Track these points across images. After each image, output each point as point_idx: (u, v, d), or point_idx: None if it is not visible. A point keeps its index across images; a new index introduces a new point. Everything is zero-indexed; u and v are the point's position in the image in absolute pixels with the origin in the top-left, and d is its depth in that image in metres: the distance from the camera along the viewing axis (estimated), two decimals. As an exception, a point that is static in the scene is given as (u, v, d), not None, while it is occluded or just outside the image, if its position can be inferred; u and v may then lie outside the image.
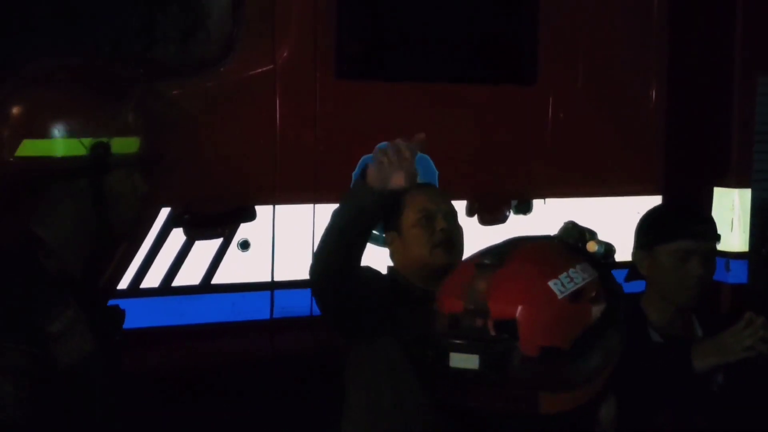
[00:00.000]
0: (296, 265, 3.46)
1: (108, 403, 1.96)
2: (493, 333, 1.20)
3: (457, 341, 1.22)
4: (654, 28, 4.09)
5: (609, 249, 1.38)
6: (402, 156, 2.14)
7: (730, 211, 4.18)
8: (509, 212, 3.80)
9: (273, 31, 3.36)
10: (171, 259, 3.29)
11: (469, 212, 3.72)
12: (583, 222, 4.23)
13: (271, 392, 3.42)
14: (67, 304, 1.93)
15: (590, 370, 1.20)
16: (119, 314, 2.20)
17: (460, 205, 3.73)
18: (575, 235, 1.44)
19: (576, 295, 1.21)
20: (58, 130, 1.95)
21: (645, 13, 4.06)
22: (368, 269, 2.45)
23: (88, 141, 1.95)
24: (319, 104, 3.44)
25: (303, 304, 3.47)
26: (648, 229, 2.76)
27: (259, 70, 3.36)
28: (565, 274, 1.22)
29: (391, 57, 3.57)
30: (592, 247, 1.37)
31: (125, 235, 2.16)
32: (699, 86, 4.19)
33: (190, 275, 3.33)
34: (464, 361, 1.20)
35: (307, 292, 3.46)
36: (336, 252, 2.21)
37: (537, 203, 3.87)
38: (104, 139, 1.96)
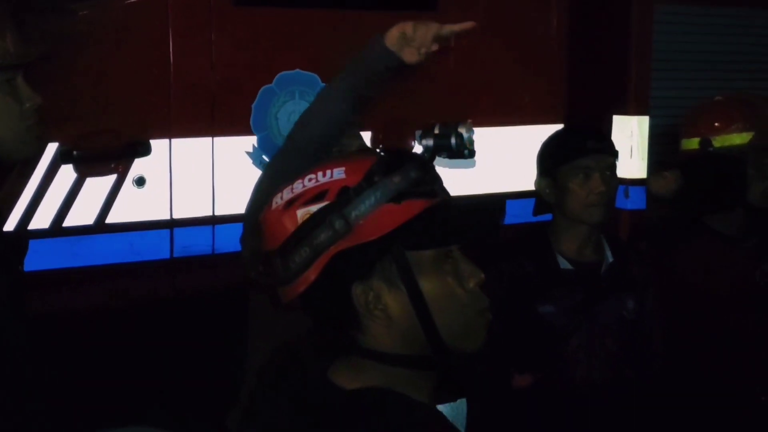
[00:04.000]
0: (195, 202, 3.33)
1: (13, 332, 1.84)
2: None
3: None
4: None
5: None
6: (426, 36, 2.08)
7: (629, 138, 4.24)
8: (414, 142, 3.74)
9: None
10: (61, 197, 3.11)
11: (374, 143, 3.65)
12: (487, 150, 4.24)
13: (173, 334, 3.31)
14: None
15: (298, 264, 1.31)
16: (22, 243, 2.07)
17: (364, 137, 3.66)
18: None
19: (289, 203, 1.32)
20: None
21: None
22: None
23: None
24: (215, 32, 3.28)
25: (204, 243, 3.36)
26: (547, 154, 2.81)
27: (150, -6, 3.18)
28: (290, 186, 1.34)
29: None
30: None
31: (25, 156, 1.98)
32: (598, 15, 4.20)
33: (82, 215, 3.15)
34: None
35: (208, 229, 3.37)
36: (325, 121, 2.12)
37: (442, 133, 3.82)
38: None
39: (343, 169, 1.32)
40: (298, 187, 1.33)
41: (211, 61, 3.28)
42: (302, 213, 1.31)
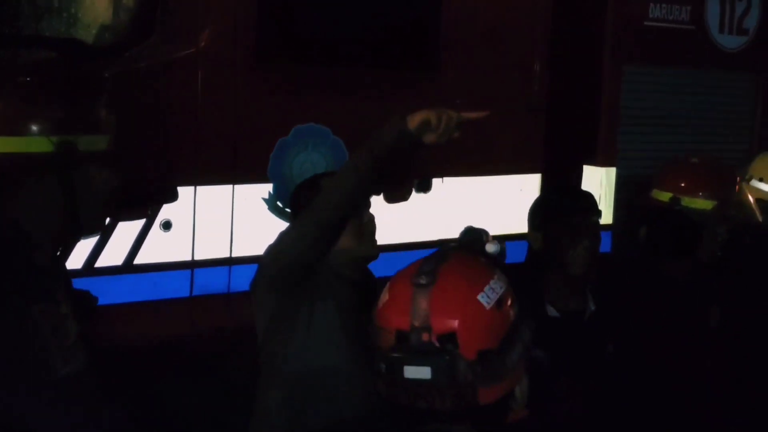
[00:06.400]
0: (215, 244, 3.57)
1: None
2: (437, 345, 1.41)
3: (409, 355, 1.41)
4: (537, 26, 4.43)
5: (503, 249, 1.62)
6: (449, 125, 2.23)
7: (598, 188, 4.62)
8: (412, 190, 4.04)
9: (195, 16, 3.41)
10: (95, 240, 3.31)
11: (376, 191, 3.93)
12: (475, 196, 4.54)
13: (190, 367, 3.53)
14: (61, 297, 2.03)
15: (514, 361, 1.45)
16: (92, 301, 2.30)
17: (367, 185, 3.94)
18: (475, 237, 1.71)
19: (499, 303, 1.45)
20: (27, 128, 2.02)
21: (531, 13, 4.40)
22: None
23: (55, 139, 2.03)
24: (238, 88, 3.53)
25: (221, 282, 3.59)
26: (540, 210, 3.05)
27: (181, 53, 3.41)
28: (488, 286, 1.45)
29: (309, 44, 3.67)
30: (489, 248, 1.64)
31: (97, 229, 2.25)
32: (574, 77, 4.59)
33: (113, 256, 3.37)
34: (417, 372, 1.41)
35: (225, 269, 3.61)
36: (349, 191, 2.28)
37: (436, 182, 4.13)
38: (71, 138, 2.04)
39: (501, 275, 1.51)
40: (497, 288, 1.46)
41: (234, 115, 3.53)
42: (513, 313, 1.46)
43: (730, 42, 5.03)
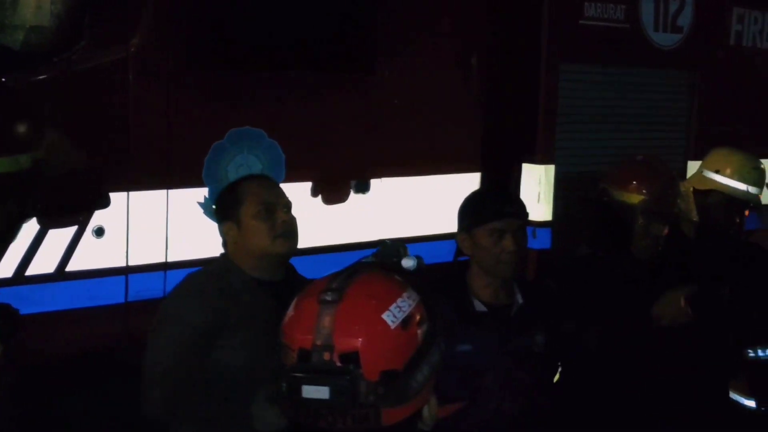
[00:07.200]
0: (150, 250, 3.54)
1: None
2: (339, 364, 1.37)
3: (308, 375, 1.38)
4: (473, 25, 4.47)
5: (420, 263, 1.61)
6: None
7: (537, 185, 4.67)
8: (350, 192, 4.05)
9: (125, 21, 3.38)
10: (24, 248, 3.27)
11: (314, 193, 3.93)
12: (414, 196, 4.58)
13: (126, 374, 3.50)
14: None
15: (420, 383, 1.41)
16: (14, 314, 2.27)
17: (305, 187, 3.95)
18: (392, 252, 1.69)
19: (405, 323, 1.40)
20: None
21: (468, 13, 4.44)
22: (196, 300, 2.56)
23: (25, 157, 2.03)
24: (171, 93, 3.50)
25: (157, 287, 3.57)
26: (466, 213, 3.06)
27: (112, 58, 3.38)
28: (394, 304, 1.41)
29: (241, 47, 3.65)
30: (405, 263, 1.62)
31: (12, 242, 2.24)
32: (511, 77, 4.63)
33: (44, 263, 3.32)
34: (315, 391, 1.37)
35: (161, 275, 3.59)
36: None
37: (374, 183, 4.15)
38: (39, 155, 2.05)
39: (412, 292, 1.47)
40: (405, 306, 1.42)
41: (166, 120, 3.50)
42: (421, 333, 1.41)
43: (665, 40, 5.11)
